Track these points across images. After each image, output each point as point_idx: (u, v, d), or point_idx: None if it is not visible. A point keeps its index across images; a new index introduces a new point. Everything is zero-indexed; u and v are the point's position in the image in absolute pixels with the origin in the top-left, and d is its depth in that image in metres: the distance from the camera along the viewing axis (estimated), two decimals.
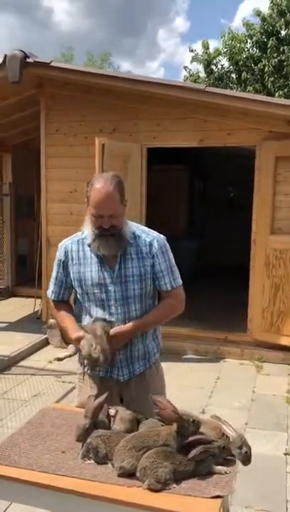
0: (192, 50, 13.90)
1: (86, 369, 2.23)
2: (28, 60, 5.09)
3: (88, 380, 2.24)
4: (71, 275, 2.18)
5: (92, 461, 1.81)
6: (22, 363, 5.18)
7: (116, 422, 1.95)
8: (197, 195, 9.98)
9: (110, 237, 2.05)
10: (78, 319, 2.24)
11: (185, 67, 14.18)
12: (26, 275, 7.75)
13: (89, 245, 2.13)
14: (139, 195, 5.44)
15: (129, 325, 2.11)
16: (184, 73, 14.40)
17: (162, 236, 2.23)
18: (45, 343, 5.79)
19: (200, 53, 13.61)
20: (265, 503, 2.82)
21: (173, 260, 2.21)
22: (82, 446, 1.86)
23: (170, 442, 1.76)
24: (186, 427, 1.78)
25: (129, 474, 1.71)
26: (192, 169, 9.21)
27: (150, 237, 2.17)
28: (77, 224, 2.35)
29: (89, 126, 5.54)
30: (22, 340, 5.68)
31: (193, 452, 1.70)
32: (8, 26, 44.82)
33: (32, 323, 6.33)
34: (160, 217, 8.39)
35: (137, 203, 5.43)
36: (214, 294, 7.59)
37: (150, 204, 6.08)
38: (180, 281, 2.22)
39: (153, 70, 44.56)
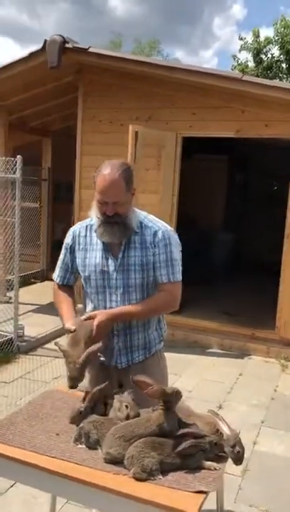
0: (241, 39, 13.60)
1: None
2: (66, 45, 5.11)
3: (88, 367, 2.24)
4: (77, 260, 2.19)
5: (84, 446, 1.83)
6: (48, 346, 5.27)
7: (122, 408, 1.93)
8: (237, 188, 9.78)
9: (115, 224, 2.04)
10: (83, 304, 2.25)
11: (234, 56, 13.89)
12: None
13: (95, 231, 2.13)
14: (172, 185, 5.39)
15: (110, 312, 2.06)
16: (233, 63, 14.08)
17: (169, 228, 2.17)
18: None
19: (250, 42, 13.26)
20: (270, 503, 2.76)
21: (177, 255, 2.13)
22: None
23: (162, 422, 1.73)
24: (172, 399, 1.75)
25: (115, 462, 1.70)
26: (234, 160, 9.03)
27: (156, 227, 2.13)
28: None
29: (126, 113, 5.52)
30: (50, 323, 5.78)
31: (182, 446, 1.67)
32: (63, 13, 45.26)
33: None
34: (197, 209, 8.35)
35: (169, 192, 5.38)
36: (246, 289, 7.46)
37: (187, 195, 6.02)
38: (178, 278, 2.13)
39: (207, 59, 43.79)
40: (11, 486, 2.75)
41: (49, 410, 2.09)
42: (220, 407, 3.91)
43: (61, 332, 5.73)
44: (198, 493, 1.58)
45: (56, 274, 2.29)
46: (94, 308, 2.16)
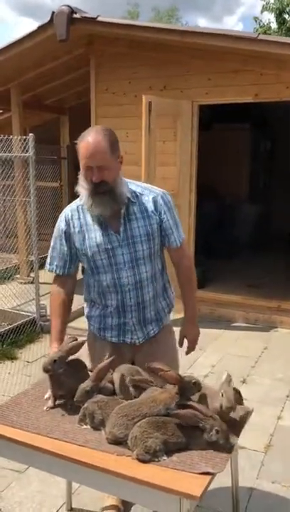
0: None
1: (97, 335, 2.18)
2: (74, 15, 4.93)
3: (97, 346, 2.18)
4: (76, 244, 2.05)
5: (88, 427, 1.77)
6: (71, 324, 5.22)
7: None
8: (263, 157, 9.43)
9: (103, 195, 1.92)
10: (87, 290, 2.16)
11: (256, 18, 13.25)
12: None
13: (87, 209, 2.00)
14: (189, 156, 5.20)
15: (192, 321, 2.22)
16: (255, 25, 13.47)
17: (165, 191, 2.10)
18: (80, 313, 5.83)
19: (272, 1, 12.63)
20: None
21: (177, 215, 2.13)
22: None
23: (170, 404, 1.67)
24: (188, 388, 1.71)
25: (118, 442, 1.64)
26: (259, 129, 8.69)
27: (153, 193, 2.05)
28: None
29: (139, 83, 5.33)
30: (75, 302, 5.77)
31: (182, 412, 1.59)
32: None
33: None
34: (220, 180, 8.11)
35: (187, 164, 5.21)
36: (272, 261, 7.27)
37: (209, 166, 5.80)
38: (183, 235, 2.17)
39: (232, 25, 42.27)
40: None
41: None
42: (244, 382, 3.81)
43: (82, 311, 5.75)
44: (204, 475, 1.50)
45: (53, 265, 2.12)
46: (104, 289, 2.05)
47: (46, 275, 6.16)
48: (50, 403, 1.91)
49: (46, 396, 1.94)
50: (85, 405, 1.79)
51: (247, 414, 1.87)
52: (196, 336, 2.24)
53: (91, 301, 2.18)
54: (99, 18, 4.95)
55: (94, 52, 5.56)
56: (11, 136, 4.96)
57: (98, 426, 1.75)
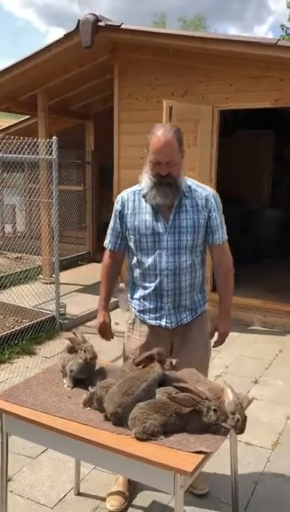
0: None
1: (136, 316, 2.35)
2: (99, 23, 5.09)
3: (138, 328, 2.34)
4: (127, 224, 2.25)
5: (92, 409, 1.86)
6: (90, 323, 5.37)
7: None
8: (286, 163, 9.41)
9: (167, 186, 2.10)
10: (130, 271, 2.34)
11: (282, 26, 13.20)
12: None
13: (144, 196, 2.18)
14: (209, 160, 5.27)
15: (226, 319, 2.35)
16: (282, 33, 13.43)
17: (215, 191, 2.27)
18: (115, 305, 5.93)
19: None
20: None
21: (222, 216, 2.29)
22: None
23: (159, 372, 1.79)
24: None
25: (118, 417, 1.73)
26: (283, 135, 8.68)
27: (206, 191, 2.23)
28: None
29: (161, 89, 5.45)
30: (93, 302, 5.87)
31: (180, 396, 1.66)
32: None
33: None
34: (243, 186, 8.14)
35: (206, 168, 5.28)
36: None
37: (231, 171, 5.83)
38: (227, 236, 2.31)
39: (262, 35, 42.33)
40: (42, 452, 2.86)
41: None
42: (256, 382, 3.84)
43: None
44: (198, 453, 1.57)
45: (107, 241, 2.38)
46: (145, 271, 2.23)
47: (67, 276, 6.24)
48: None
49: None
50: (93, 390, 1.89)
51: (248, 403, 1.93)
52: (227, 331, 2.37)
53: (133, 283, 2.35)
54: (123, 26, 5.09)
55: (117, 59, 5.71)
56: (36, 140, 5.13)
57: (104, 410, 1.83)
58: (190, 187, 2.21)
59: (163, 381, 1.82)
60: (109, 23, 5.17)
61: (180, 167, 2.13)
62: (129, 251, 2.34)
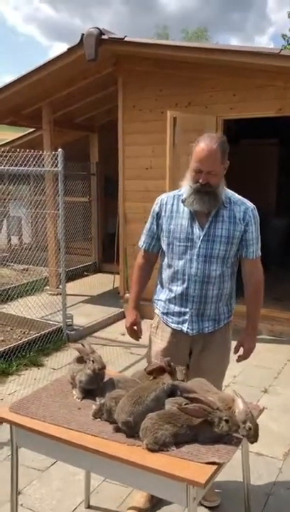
0: None
1: (159, 322, 2.36)
2: (103, 37, 5.15)
3: (160, 332, 2.35)
4: (163, 226, 2.28)
5: (101, 420, 1.85)
6: (96, 334, 5.38)
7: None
8: None
9: (205, 194, 2.13)
10: (160, 272, 2.38)
11: (284, 36, 13.32)
12: (115, 252, 7.97)
13: (183, 201, 2.21)
14: None
15: (252, 336, 2.35)
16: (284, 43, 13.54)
17: (254, 206, 2.28)
18: (122, 316, 5.93)
19: None
20: None
21: (259, 232, 2.30)
22: None
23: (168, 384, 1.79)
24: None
25: (128, 426, 1.72)
26: (288, 143, 8.70)
27: (245, 205, 2.26)
28: (153, 201, 2.42)
29: (165, 100, 5.48)
30: (99, 313, 5.89)
31: (190, 407, 1.65)
32: (116, 13, 45.76)
33: (111, 297, 6.53)
34: (247, 195, 8.13)
35: None
36: None
37: (236, 181, 5.79)
38: (260, 253, 2.31)
39: (263, 45, 42.58)
40: (52, 464, 2.84)
41: None
42: (265, 391, 3.82)
43: (111, 321, 5.85)
44: (210, 464, 1.55)
45: (142, 241, 2.43)
46: (174, 274, 2.25)
47: (73, 287, 6.22)
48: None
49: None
50: (103, 401, 1.88)
51: (259, 412, 1.92)
52: (252, 348, 2.37)
53: (161, 285, 2.37)
54: (126, 39, 5.15)
55: (121, 71, 5.76)
56: (42, 152, 5.17)
57: (114, 421, 1.82)
58: (230, 198, 2.24)
59: (173, 392, 1.81)
60: (113, 35, 5.23)
61: (220, 177, 2.17)
62: (161, 253, 2.37)
